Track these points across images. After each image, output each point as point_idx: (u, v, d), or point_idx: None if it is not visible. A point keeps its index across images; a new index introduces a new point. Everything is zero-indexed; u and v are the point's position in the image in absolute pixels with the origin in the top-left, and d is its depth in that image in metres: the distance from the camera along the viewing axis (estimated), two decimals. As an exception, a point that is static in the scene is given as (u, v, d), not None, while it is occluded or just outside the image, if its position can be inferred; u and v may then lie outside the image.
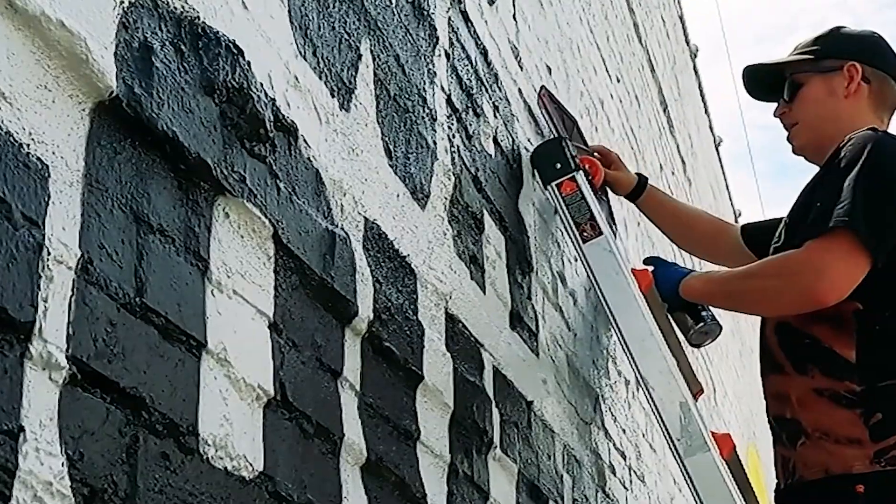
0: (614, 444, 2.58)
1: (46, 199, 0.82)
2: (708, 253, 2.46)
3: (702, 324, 2.06)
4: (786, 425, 1.84)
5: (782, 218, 2.03)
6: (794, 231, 1.85)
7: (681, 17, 5.96)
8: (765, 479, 5.55)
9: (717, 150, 7.23)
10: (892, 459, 1.68)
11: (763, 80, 2.05)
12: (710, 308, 2.15)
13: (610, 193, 2.44)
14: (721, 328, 2.14)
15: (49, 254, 0.81)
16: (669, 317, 2.13)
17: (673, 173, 4.71)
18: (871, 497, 1.68)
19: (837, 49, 1.95)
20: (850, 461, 1.71)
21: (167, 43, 1.00)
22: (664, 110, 4.70)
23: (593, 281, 2.11)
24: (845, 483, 1.71)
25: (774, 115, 2.03)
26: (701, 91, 6.53)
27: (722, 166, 7.50)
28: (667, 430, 2.01)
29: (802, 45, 2.01)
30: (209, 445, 0.97)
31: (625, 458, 2.68)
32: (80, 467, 0.80)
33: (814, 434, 1.77)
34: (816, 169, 1.92)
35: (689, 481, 2.00)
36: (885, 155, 1.75)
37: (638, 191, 2.35)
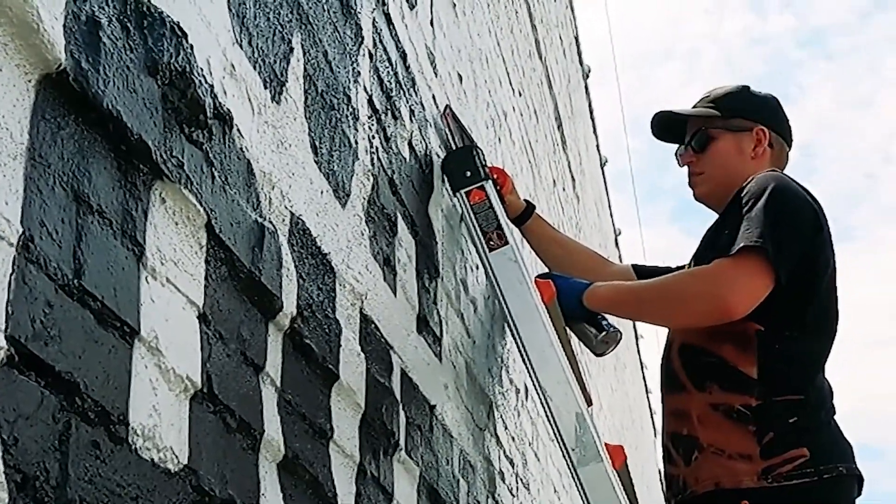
0: (504, 452, 2.61)
1: (-9, 171, 0.78)
2: None
3: (604, 332, 2.11)
4: (682, 442, 1.92)
5: (679, 266, 2.16)
6: (702, 260, 1.96)
7: (576, 38, 6.10)
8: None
9: (602, 169, 7.42)
10: (777, 476, 1.77)
11: (669, 124, 2.18)
12: (607, 317, 2.20)
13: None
14: (621, 334, 2.20)
15: (-8, 228, 0.77)
16: (569, 330, 2.17)
17: (564, 189, 4.81)
18: None
19: (747, 110, 2.08)
20: (740, 476, 1.79)
21: (114, 19, 0.97)
22: (559, 127, 4.80)
23: (497, 289, 2.13)
24: (733, 497, 1.78)
25: (680, 164, 2.16)
26: (591, 111, 6.69)
27: (606, 185, 7.70)
28: (562, 439, 2.05)
29: (712, 97, 2.13)
30: (138, 436, 0.94)
31: (513, 466, 2.72)
32: (14, 453, 0.77)
33: (708, 449, 1.85)
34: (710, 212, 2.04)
35: (581, 490, 2.04)
36: (788, 189, 1.88)
37: (524, 216, 2.41)
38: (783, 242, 1.78)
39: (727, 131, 2.07)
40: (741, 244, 1.76)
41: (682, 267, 2.17)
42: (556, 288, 2.13)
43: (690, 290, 1.86)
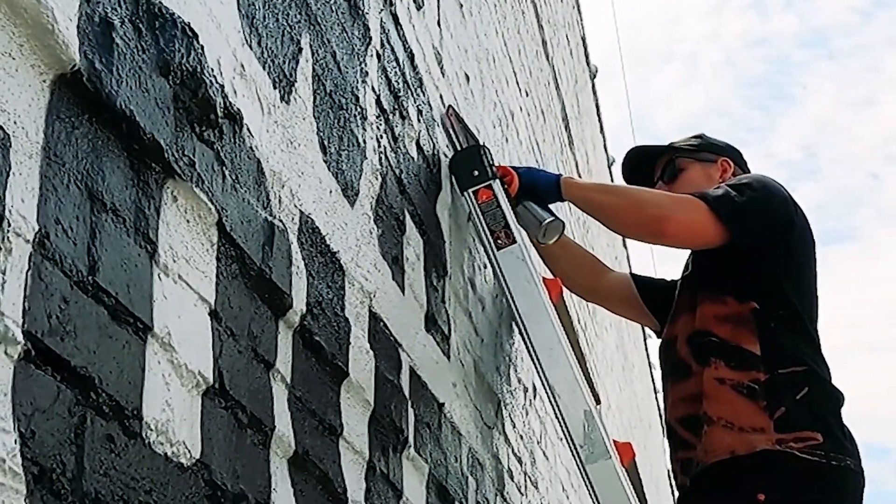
0: (512, 450, 2.62)
1: (7, 169, 0.80)
2: (588, 289, 2.55)
3: (553, 218, 2.16)
4: (692, 423, 1.97)
5: (673, 280, 2.24)
6: (696, 256, 2.11)
7: (583, 38, 6.11)
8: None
9: (609, 168, 7.43)
10: (790, 447, 1.85)
11: (638, 168, 2.32)
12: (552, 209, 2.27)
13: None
14: (564, 224, 2.26)
15: (9, 226, 0.78)
16: (528, 208, 2.21)
17: (571, 189, 4.81)
18: (769, 471, 1.83)
19: (712, 146, 2.29)
20: (754, 443, 1.87)
21: (126, 20, 0.98)
22: (566, 127, 4.80)
23: (505, 288, 2.14)
24: (748, 462, 1.85)
25: None
26: (598, 110, 6.70)
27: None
28: (570, 436, 2.06)
29: (678, 142, 2.32)
30: (151, 430, 0.96)
31: (521, 464, 2.73)
32: (31, 445, 0.78)
33: (718, 422, 1.92)
34: None
35: (589, 487, 2.05)
36: (764, 177, 2.06)
37: None
38: (739, 203, 1.95)
39: (695, 161, 2.24)
40: (707, 192, 1.97)
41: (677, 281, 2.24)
42: (522, 174, 2.23)
43: (649, 198, 2.04)
